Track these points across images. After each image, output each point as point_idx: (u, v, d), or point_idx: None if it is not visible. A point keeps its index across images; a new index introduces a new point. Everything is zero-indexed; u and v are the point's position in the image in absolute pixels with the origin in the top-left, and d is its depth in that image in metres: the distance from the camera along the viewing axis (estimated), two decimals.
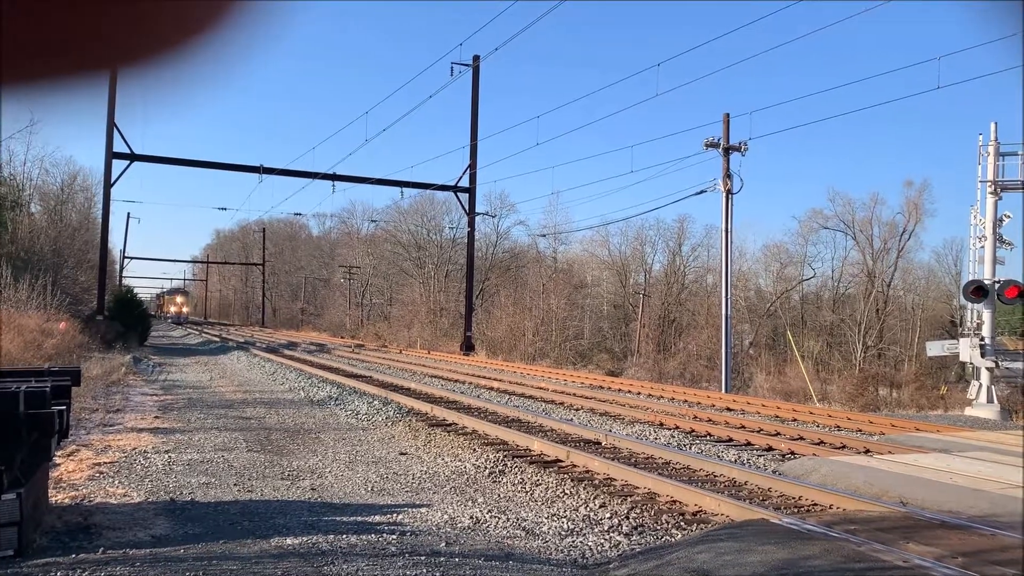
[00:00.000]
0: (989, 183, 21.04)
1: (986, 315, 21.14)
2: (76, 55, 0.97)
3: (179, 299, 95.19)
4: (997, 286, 20.81)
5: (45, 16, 0.91)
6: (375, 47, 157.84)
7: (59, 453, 9.62)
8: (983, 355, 20.76)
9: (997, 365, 20.83)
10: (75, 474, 9.20)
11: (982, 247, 21.29)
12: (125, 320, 37.49)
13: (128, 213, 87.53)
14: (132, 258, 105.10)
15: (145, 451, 10.87)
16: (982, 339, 20.95)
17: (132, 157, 37.14)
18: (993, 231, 21.01)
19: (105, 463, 9.89)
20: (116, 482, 8.85)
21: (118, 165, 37.16)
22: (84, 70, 0.99)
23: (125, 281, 77.03)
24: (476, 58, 38.86)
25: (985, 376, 20.77)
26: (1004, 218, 21.17)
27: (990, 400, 20.52)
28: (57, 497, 7.86)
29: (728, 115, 26.51)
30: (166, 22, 0.98)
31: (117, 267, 77.48)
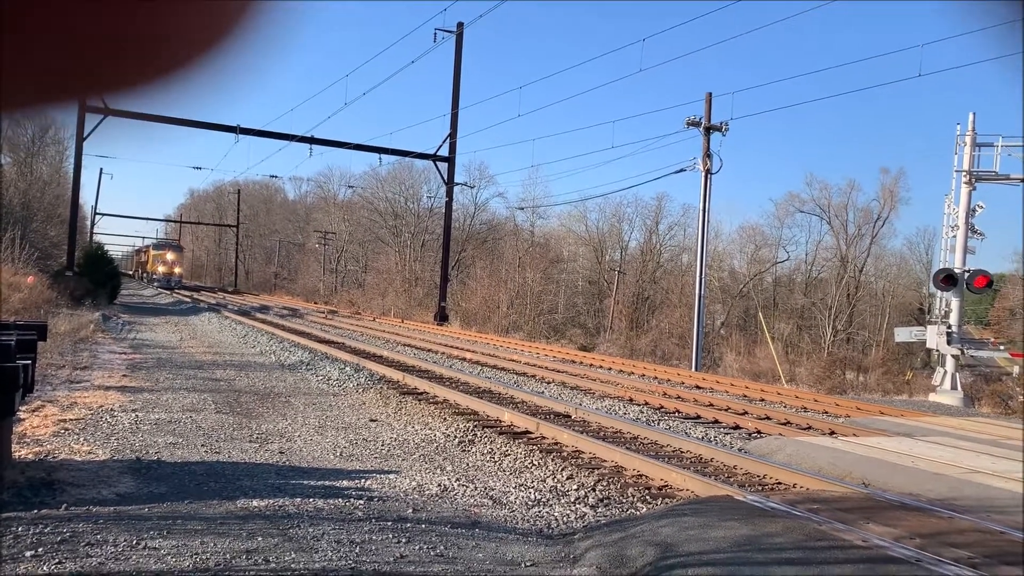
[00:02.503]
0: (964, 173, 21.25)
1: (954, 303, 21.45)
2: (58, 87, 0.94)
3: (170, 256, 70.77)
4: (967, 275, 21.11)
5: (27, 50, 0.88)
6: (357, 8, 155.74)
7: (23, 408, 9.50)
8: (949, 343, 21.10)
9: (963, 353, 21.18)
10: (40, 430, 9.10)
11: (954, 236, 21.55)
12: (95, 277, 36.96)
13: (100, 168, 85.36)
14: (104, 214, 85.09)
15: (112, 409, 10.77)
16: (949, 327, 21.27)
17: (106, 111, 36.36)
18: (966, 220, 21.26)
19: (71, 420, 9.78)
20: (81, 439, 8.76)
21: (91, 119, 36.45)
22: (65, 100, 0.96)
23: (96, 238, 75.66)
24: (460, 25, 38.44)
25: (950, 363, 21.12)
26: (977, 208, 21.43)
27: (954, 387, 20.89)
28: (20, 452, 7.77)
29: (710, 94, 26.49)
30: (151, 54, 0.95)
31: (88, 223, 76.15)
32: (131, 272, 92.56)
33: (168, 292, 61.60)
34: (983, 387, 23.52)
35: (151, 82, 0.95)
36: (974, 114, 21.23)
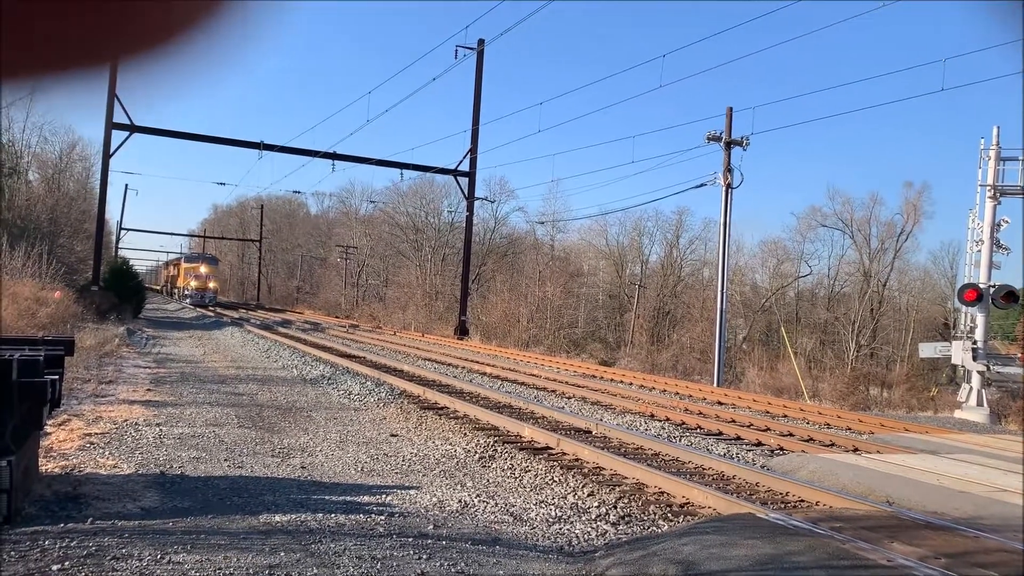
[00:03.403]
0: (989, 187, 21.04)
1: (980, 319, 21.19)
2: (76, 51, 0.98)
3: (203, 269, 65.00)
4: (992, 290, 20.86)
5: (43, 14, 0.92)
6: (379, 27, 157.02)
7: (50, 422, 9.62)
8: (975, 358, 20.83)
9: (988, 369, 20.90)
10: (66, 444, 9.21)
11: (979, 251, 21.32)
12: (120, 291, 37.41)
13: (126, 184, 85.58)
14: (129, 230, 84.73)
15: (136, 423, 10.89)
16: (975, 342, 21.01)
17: (132, 128, 36.97)
18: (991, 235, 21.03)
19: (96, 434, 9.90)
20: (106, 453, 8.86)
21: (117, 136, 37.01)
22: (84, 64, 1.00)
23: (121, 253, 76.48)
24: (481, 42, 38.72)
25: (976, 379, 20.84)
26: (1002, 223, 21.19)
27: (980, 403, 20.60)
28: (47, 466, 7.87)
29: (731, 109, 26.42)
30: (167, 13, 0.99)
31: (114, 238, 77.02)
32: (159, 287, 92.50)
33: (201, 309, 57.03)
34: (1010, 404, 23.18)
35: (163, 45, 1.00)
36: (998, 128, 21.05)
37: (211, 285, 65.24)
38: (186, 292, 64.71)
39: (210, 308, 58.14)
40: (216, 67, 1.05)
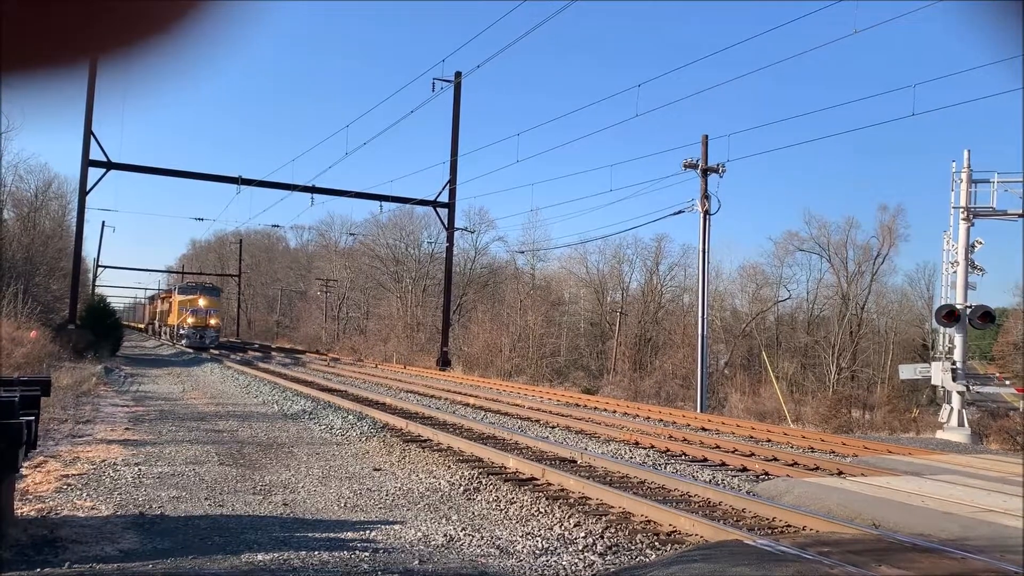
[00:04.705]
0: (962, 209, 21.36)
1: (958, 339, 21.40)
2: (59, 42, 0.97)
3: (203, 302, 52.93)
4: (969, 311, 21.09)
5: (29, 5, 0.92)
6: (357, 61, 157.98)
7: (26, 464, 9.44)
8: (954, 379, 20.99)
9: (968, 389, 21.07)
10: (42, 486, 9.04)
11: (954, 272, 21.59)
12: (97, 329, 37.00)
13: (103, 222, 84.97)
14: (106, 267, 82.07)
15: (115, 463, 10.71)
16: (953, 363, 21.19)
17: (108, 165, 36.81)
18: (965, 256, 21.31)
19: (73, 475, 9.72)
20: (84, 495, 8.70)
21: (94, 173, 36.83)
22: (67, 58, 1.00)
23: (98, 290, 75.65)
24: (458, 74, 38.98)
25: (956, 400, 20.99)
26: (976, 244, 21.50)
27: (961, 424, 20.74)
28: (23, 510, 7.71)
29: (707, 137, 26.77)
30: (148, 7, 0.99)
31: (90, 276, 76.28)
32: (141, 326, 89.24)
33: (202, 351, 47.68)
34: (990, 423, 23.36)
35: (141, 41, 0.99)
36: (969, 151, 21.44)
37: (212, 322, 53.84)
38: (181, 331, 52.83)
39: (211, 350, 49.51)
40: (193, 66, 1.05)
